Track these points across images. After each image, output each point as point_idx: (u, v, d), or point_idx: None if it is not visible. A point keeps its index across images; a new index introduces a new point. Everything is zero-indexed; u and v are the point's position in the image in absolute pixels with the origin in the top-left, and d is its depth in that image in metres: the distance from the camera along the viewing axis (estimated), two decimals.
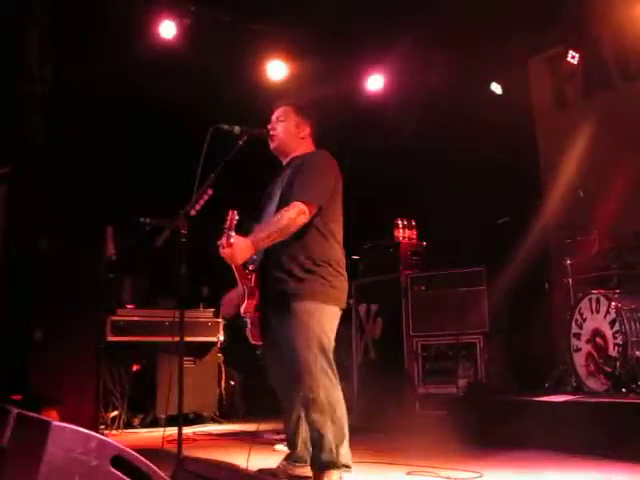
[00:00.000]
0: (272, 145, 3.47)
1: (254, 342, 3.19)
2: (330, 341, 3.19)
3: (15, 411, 2.46)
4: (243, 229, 3.14)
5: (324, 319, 3.18)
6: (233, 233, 2.95)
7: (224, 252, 2.99)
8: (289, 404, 3.37)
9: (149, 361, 6.59)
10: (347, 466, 3.16)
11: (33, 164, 6.37)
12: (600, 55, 6.70)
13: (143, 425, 6.53)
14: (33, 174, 6.38)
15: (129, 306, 6.58)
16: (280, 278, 3.15)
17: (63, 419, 5.24)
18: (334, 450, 3.09)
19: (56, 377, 5.69)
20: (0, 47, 5.97)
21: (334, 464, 3.10)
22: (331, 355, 3.18)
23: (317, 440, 3.13)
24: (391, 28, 6.85)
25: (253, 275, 3.22)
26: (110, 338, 6.26)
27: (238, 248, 2.98)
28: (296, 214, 3.08)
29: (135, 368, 6.58)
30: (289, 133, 3.45)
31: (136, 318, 6.48)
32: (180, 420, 3.04)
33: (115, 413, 6.36)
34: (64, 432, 2.05)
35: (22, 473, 2.16)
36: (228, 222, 2.99)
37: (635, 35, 6.40)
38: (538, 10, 6.28)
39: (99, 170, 6.67)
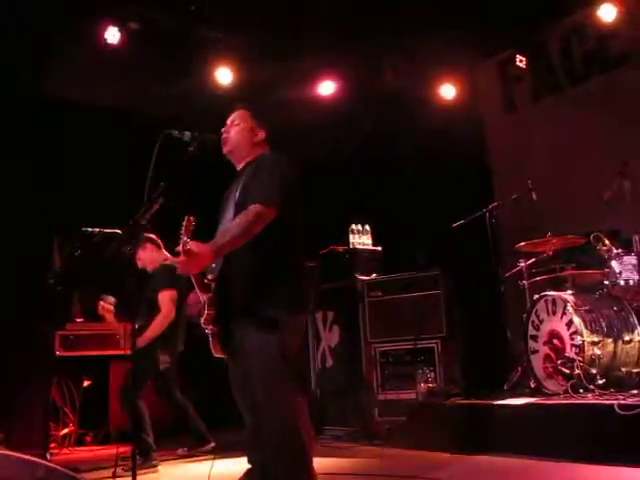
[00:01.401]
0: (225, 149, 3.36)
1: (216, 355, 3.07)
2: (292, 351, 3.09)
3: None
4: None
5: (289, 328, 3.07)
6: (189, 239, 2.82)
7: (179, 260, 2.86)
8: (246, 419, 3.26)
9: (100, 376, 6.41)
10: None
11: None
12: (548, 59, 6.80)
13: (96, 442, 6.34)
14: None
15: (78, 320, 6.39)
16: (241, 287, 3.04)
17: (8, 441, 5.04)
18: None
19: (1, 395, 5.48)
20: None
21: None
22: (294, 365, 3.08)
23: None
24: (342, 33, 6.82)
25: (212, 285, 3.10)
26: (59, 353, 6.05)
27: (195, 256, 2.84)
28: (255, 216, 2.97)
29: (86, 383, 6.38)
30: (243, 137, 3.35)
31: (86, 332, 6.29)
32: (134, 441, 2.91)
33: (66, 430, 6.17)
34: (6, 460, 1.92)
35: None
36: (184, 228, 2.87)
37: (581, 39, 6.52)
38: (488, 13, 6.33)
39: (44, 179, 6.47)
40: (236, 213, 3.11)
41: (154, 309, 5.11)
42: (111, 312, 5.12)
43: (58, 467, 1.95)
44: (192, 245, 2.82)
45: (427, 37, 6.54)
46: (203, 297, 3.09)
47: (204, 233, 3.03)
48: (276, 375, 2.98)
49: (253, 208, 2.97)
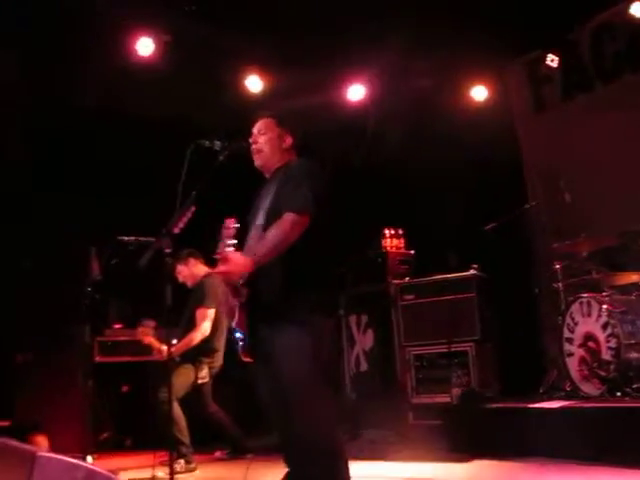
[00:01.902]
0: (257, 162, 3.38)
1: (244, 359, 3.11)
2: (321, 355, 3.12)
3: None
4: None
5: (318, 331, 3.10)
6: (230, 243, 2.89)
7: (221, 269, 2.92)
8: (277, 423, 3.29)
9: (138, 381, 6.51)
10: None
11: (15, 183, 6.30)
12: (578, 58, 6.73)
13: (134, 446, 6.44)
14: (16, 195, 6.31)
15: (116, 326, 6.51)
16: (271, 291, 3.07)
17: (52, 444, 5.15)
18: None
19: (43, 401, 5.61)
20: None
21: None
22: (321, 370, 3.11)
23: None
24: (371, 37, 6.84)
25: (245, 289, 3.14)
26: (98, 359, 6.17)
27: (237, 266, 2.91)
28: (290, 225, 3.00)
29: (125, 389, 6.49)
30: (272, 146, 3.38)
31: (123, 338, 6.40)
32: (171, 445, 2.97)
33: (105, 435, 6.28)
34: (50, 463, 1.98)
35: None
36: (225, 231, 2.94)
37: (613, 37, 6.44)
38: (517, 13, 6.29)
39: (82, 189, 6.60)
40: (267, 220, 3.15)
41: (191, 324, 5.20)
42: (150, 336, 5.19)
43: (98, 469, 2.01)
44: (235, 255, 2.87)
45: (457, 39, 6.52)
46: (234, 302, 3.13)
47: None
48: (307, 376, 3.00)
49: (288, 218, 3.01)
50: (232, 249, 2.91)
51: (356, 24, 6.51)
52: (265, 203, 3.25)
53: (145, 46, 6.10)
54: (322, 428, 2.99)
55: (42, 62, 6.13)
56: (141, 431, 6.45)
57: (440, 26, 6.48)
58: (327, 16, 6.40)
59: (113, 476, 2.04)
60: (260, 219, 3.23)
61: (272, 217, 3.11)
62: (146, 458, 5.41)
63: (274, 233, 3.01)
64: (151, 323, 5.13)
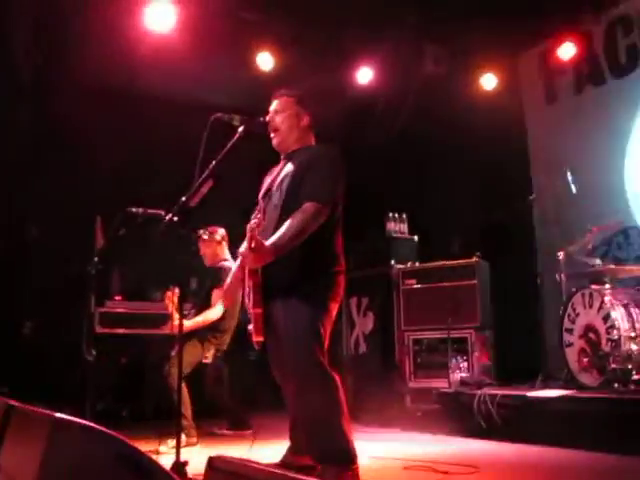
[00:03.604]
0: (274, 141, 3.39)
1: (256, 339, 3.14)
2: (326, 335, 3.18)
3: (13, 403, 2.40)
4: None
5: (323, 314, 3.16)
6: (257, 237, 2.94)
7: (248, 258, 2.99)
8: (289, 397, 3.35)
9: (137, 354, 6.54)
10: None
11: (23, 153, 6.28)
12: (591, 50, 6.71)
13: (130, 417, 6.47)
14: (23, 163, 6.30)
15: (117, 298, 6.52)
16: (285, 271, 3.11)
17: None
18: (330, 440, 3.06)
19: (45, 367, 5.63)
20: None
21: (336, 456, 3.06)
22: (324, 347, 3.16)
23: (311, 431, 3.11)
24: (381, 21, 6.82)
25: (259, 272, 3.17)
26: (98, 330, 6.18)
27: (261, 256, 2.96)
28: (312, 216, 3.04)
29: (123, 361, 6.51)
30: (290, 125, 3.37)
31: (124, 310, 6.41)
32: (179, 420, 2.98)
33: (102, 405, 6.30)
34: (68, 427, 1.99)
35: (21, 469, 2.10)
36: (250, 231, 2.97)
37: (626, 30, 6.43)
38: (531, 2, 6.27)
39: (89, 159, 6.58)
40: (286, 202, 3.16)
41: (206, 303, 5.22)
42: (174, 303, 5.18)
43: (114, 434, 2.01)
44: (259, 244, 2.92)
45: (469, 26, 6.51)
46: (249, 283, 3.16)
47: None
48: (313, 353, 3.08)
49: (311, 209, 3.03)
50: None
51: (370, 5, 6.50)
52: (283, 184, 3.25)
53: (156, 19, 6.03)
54: (327, 402, 3.05)
55: (52, 35, 6.10)
56: (138, 403, 6.50)
57: (454, 12, 6.47)
58: None
59: (127, 442, 2.05)
60: (277, 198, 3.24)
61: (291, 200, 3.13)
62: (144, 430, 5.46)
63: (296, 223, 3.01)
64: (177, 290, 5.12)
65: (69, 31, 6.13)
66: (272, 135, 3.39)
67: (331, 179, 3.14)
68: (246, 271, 3.16)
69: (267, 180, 3.48)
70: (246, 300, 3.19)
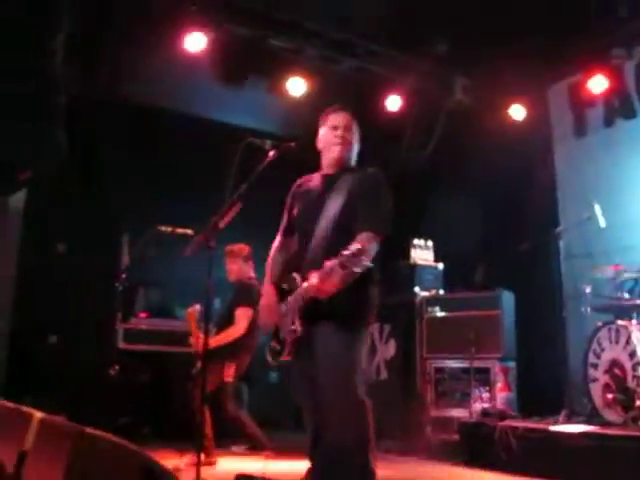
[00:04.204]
0: (341, 154, 3.23)
1: (273, 363, 3.14)
2: (363, 362, 3.14)
3: (39, 415, 2.43)
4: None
5: (360, 342, 3.12)
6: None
7: (315, 289, 2.91)
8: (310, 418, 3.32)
9: (160, 371, 6.57)
10: None
11: (53, 170, 6.39)
12: (622, 84, 6.70)
13: (150, 435, 6.49)
14: (53, 180, 6.40)
15: (142, 315, 6.58)
16: (335, 299, 2.95)
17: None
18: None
19: (68, 382, 5.68)
20: (24, 54, 5.98)
21: None
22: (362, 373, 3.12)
23: None
24: (411, 49, 6.89)
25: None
26: (122, 346, 6.24)
27: (328, 288, 2.86)
28: (370, 247, 2.93)
29: (145, 377, 6.55)
30: (356, 141, 3.30)
31: (149, 327, 6.47)
32: (199, 437, 3.01)
33: (123, 421, 6.33)
34: (93, 439, 2.02)
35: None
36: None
37: None
38: (562, 35, 6.30)
39: (118, 177, 6.69)
40: (336, 234, 3.06)
41: (229, 321, 5.25)
42: (195, 320, 5.22)
43: (137, 449, 2.03)
44: (327, 285, 2.84)
45: (499, 56, 6.54)
46: (283, 307, 3.15)
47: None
48: (350, 379, 3.02)
49: (370, 239, 2.95)
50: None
51: (403, 32, 6.55)
52: (331, 210, 3.14)
53: (194, 42, 6.12)
54: (357, 429, 3.00)
55: (89, 56, 6.22)
56: (159, 420, 6.52)
57: (485, 42, 6.52)
58: (366, 23, 6.45)
59: (151, 457, 2.07)
60: (324, 229, 3.12)
61: (342, 232, 3.01)
62: (163, 447, 5.49)
63: (359, 253, 2.72)
64: (198, 307, 5.15)
65: (106, 50, 6.26)
66: (339, 148, 3.24)
67: (385, 207, 3.08)
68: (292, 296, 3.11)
69: (304, 196, 3.35)
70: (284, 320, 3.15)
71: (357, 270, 2.71)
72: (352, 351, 3.04)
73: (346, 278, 2.82)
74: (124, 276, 5.49)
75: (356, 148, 3.31)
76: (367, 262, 2.73)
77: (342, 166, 3.26)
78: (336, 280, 2.82)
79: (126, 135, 6.68)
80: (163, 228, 4.92)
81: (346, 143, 3.23)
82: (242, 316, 5.21)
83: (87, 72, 6.37)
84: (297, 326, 3.05)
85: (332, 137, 3.24)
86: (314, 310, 3.03)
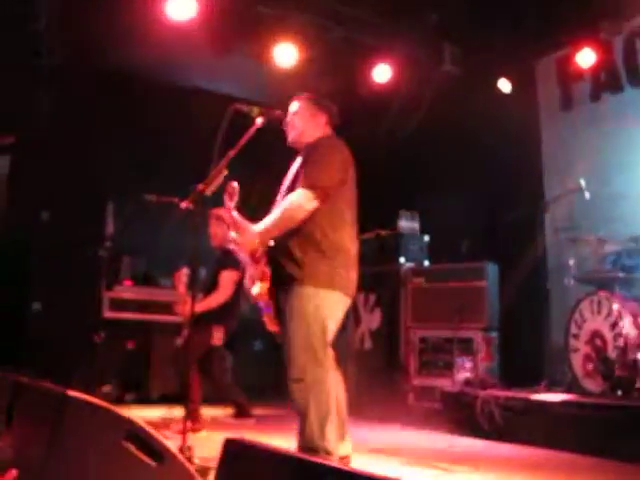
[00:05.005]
0: (290, 138, 3.44)
1: (270, 329, 3.16)
2: (328, 326, 3.14)
3: (24, 379, 2.43)
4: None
5: (324, 304, 3.14)
6: (233, 204, 3.06)
7: (236, 240, 3.08)
8: None
9: (144, 339, 6.59)
10: (329, 452, 3.04)
11: (37, 136, 6.32)
12: (610, 59, 6.69)
13: (134, 402, 6.53)
14: (37, 146, 6.34)
15: (127, 283, 6.56)
16: (285, 262, 3.14)
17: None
18: (316, 433, 3.04)
19: (53, 349, 5.68)
20: (8, 18, 5.89)
21: (315, 449, 3.02)
22: (327, 340, 3.15)
23: (300, 423, 3.12)
24: (401, 20, 6.84)
25: (263, 259, 3.19)
26: (107, 314, 6.24)
27: (245, 239, 3.05)
28: (301, 201, 3.07)
29: (130, 345, 6.56)
30: (305, 124, 3.40)
31: (133, 295, 6.46)
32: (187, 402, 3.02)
33: (108, 389, 6.36)
34: (80, 405, 2.03)
35: (34, 445, 2.13)
36: (227, 195, 3.08)
37: None
38: (551, 9, 6.27)
39: (103, 145, 6.62)
40: (290, 189, 3.22)
41: (214, 286, 5.23)
42: (183, 283, 5.19)
43: (123, 413, 2.05)
44: (244, 227, 3.02)
45: (488, 29, 6.51)
46: (252, 270, 3.19)
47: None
48: (308, 342, 3.07)
49: (300, 192, 3.10)
50: (235, 211, 3.10)
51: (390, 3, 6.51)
52: (287, 184, 3.33)
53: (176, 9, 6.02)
54: (315, 393, 3.05)
55: (72, 18, 6.12)
56: (142, 387, 6.55)
57: (472, 15, 6.49)
58: None
59: (136, 421, 2.08)
60: (282, 196, 3.31)
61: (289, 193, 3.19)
62: (149, 414, 5.52)
63: (284, 207, 3.09)
64: (186, 271, 5.12)
65: (91, 16, 6.15)
66: (288, 133, 3.43)
67: (322, 165, 3.15)
68: (248, 257, 3.19)
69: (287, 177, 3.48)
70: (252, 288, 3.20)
71: (269, 227, 3.04)
72: (308, 311, 3.10)
73: (260, 234, 3.08)
74: (108, 244, 5.46)
75: (310, 123, 3.42)
76: (280, 218, 3.06)
77: (297, 147, 3.45)
78: (248, 235, 3.07)
79: (112, 103, 6.60)
80: (148, 197, 4.87)
81: (292, 127, 3.43)
82: (227, 280, 5.19)
83: (72, 39, 6.28)
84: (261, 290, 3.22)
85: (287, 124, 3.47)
86: (275, 279, 3.18)
